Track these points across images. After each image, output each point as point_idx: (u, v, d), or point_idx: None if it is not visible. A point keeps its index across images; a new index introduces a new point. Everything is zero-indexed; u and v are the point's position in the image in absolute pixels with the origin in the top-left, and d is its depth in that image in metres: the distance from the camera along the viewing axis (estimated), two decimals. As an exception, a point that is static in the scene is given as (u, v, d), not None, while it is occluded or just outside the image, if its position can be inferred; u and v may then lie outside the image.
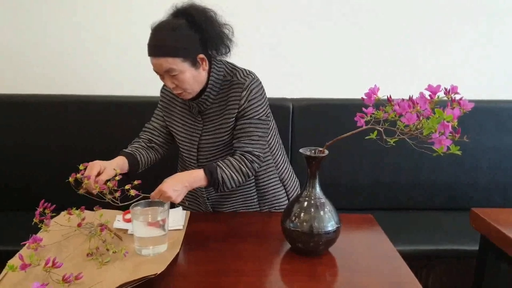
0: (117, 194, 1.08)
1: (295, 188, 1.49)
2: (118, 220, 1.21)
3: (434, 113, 0.83)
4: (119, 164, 1.22)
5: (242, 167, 1.25)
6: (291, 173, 1.49)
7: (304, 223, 1.04)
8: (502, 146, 2.03)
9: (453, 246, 1.74)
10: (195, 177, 1.19)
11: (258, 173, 1.38)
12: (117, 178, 1.12)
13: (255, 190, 1.40)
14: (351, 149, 1.97)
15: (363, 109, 0.94)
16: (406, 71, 2.14)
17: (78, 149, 1.94)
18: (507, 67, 2.17)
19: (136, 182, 1.10)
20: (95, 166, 1.13)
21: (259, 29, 2.07)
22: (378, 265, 1.04)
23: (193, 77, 1.21)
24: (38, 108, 1.96)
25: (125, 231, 1.16)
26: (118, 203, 1.08)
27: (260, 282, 0.97)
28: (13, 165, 1.97)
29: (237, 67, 1.33)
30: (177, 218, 1.23)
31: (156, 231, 1.05)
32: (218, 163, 1.24)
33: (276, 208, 1.43)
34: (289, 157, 1.96)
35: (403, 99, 0.89)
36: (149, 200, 1.10)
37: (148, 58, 1.19)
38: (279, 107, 1.93)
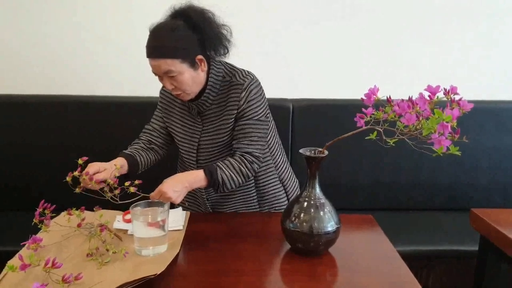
0: (117, 192, 1.08)
1: (295, 188, 1.49)
2: (118, 221, 1.21)
3: (434, 114, 0.83)
4: (119, 165, 1.22)
5: (242, 168, 1.25)
6: (290, 173, 1.49)
7: (304, 224, 1.04)
8: (502, 146, 2.03)
9: (453, 247, 1.74)
10: (195, 178, 1.19)
11: (258, 174, 1.38)
12: (116, 174, 1.12)
13: (254, 190, 1.40)
14: (351, 150, 1.97)
15: (363, 109, 0.94)
16: (406, 71, 2.14)
17: (78, 149, 1.91)
18: (507, 67, 2.17)
19: (136, 182, 1.10)
20: (94, 166, 1.13)
21: (259, 30, 2.07)
22: (378, 266, 1.04)
23: (192, 78, 1.21)
24: (38, 108, 1.96)
25: (125, 231, 1.16)
26: (117, 201, 1.07)
27: (260, 282, 0.97)
28: (13, 165, 1.97)
29: (236, 68, 1.33)
30: (177, 219, 1.23)
31: (156, 232, 1.05)
32: (218, 163, 1.24)
33: (276, 208, 1.43)
34: (289, 157, 1.96)
35: (402, 100, 0.89)
36: (149, 200, 1.10)
37: (147, 58, 1.19)
38: (279, 107, 1.93)
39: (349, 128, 0.97)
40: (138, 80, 2.03)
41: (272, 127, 1.40)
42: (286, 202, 1.45)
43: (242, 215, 1.36)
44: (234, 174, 1.24)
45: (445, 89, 0.88)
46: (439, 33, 2.11)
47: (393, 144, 0.88)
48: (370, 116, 0.93)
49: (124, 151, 1.33)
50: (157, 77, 1.23)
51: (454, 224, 1.90)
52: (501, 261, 1.28)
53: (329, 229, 1.04)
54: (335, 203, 1.09)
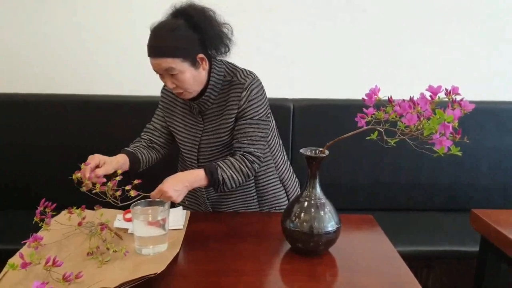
0: (118, 194, 1.08)
1: (295, 188, 1.49)
2: (118, 220, 1.21)
3: (435, 114, 0.83)
4: (120, 161, 1.22)
5: (242, 167, 1.25)
6: (291, 173, 1.49)
7: (304, 223, 1.04)
8: (502, 146, 2.03)
9: (453, 247, 1.74)
10: (196, 177, 1.19)
11: (258, 174, 1.38)
12: (118, 178, 1.12)
13: (255, 190, 1.40)
14: (352, 150, 1.97)
15: (364, 109, 0.94)
16: (406, 71, 2.14)
17: (78, 149, 1.92)
18: (507, 68, 2.17)
19: (136, 182, 1.10)
20: (95, 158, 1.13)
21: (259, 29, 2.07)
22: (378, 266, 1.04)
23: (193, 77, 1.21)
24: (38, 107, 1.96)
25: (125, 230, 1.16)
26: (118, 203, 1.08)
27: (260, 282, 0.97)
28: (13, 164, 1.97)
29: (237, 67, 1.33)
30: (177, 218, 1.23)
31: (156, 231, 1.05)
32: (219, 163, 1.24)
33: (276, 208, 1.43)
34: (289, 157, 1.96)
35: (403, 100, 0.89)
36: (150, 199, 1.10)
37: (148, 57, 1.19)
38: (279, 107, 1.93)
39: (350, 128, 0.98)
40: (138, 79, 2.03)
41: (272, 127, 1.40)
42: (286, 202, 1.44)
43: (242, 215, 1.36)
44: (235, 174, 1.24)
45: (446, 90, 0.89)
46: (439, 33, 2.11)
47: (394, 145, 0.88)
48: (371, 116, 0.93)
49: (125, 148, 1.33)
50: (158, 76, 1.24)
51: (454, 225, 1.90)
52: (501, 262, 1.28)
53: (329, 229, 1.04)
54: (335, 203, 1.09)
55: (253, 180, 1.39)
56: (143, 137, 1.41)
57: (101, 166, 1.14)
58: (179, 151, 1.44)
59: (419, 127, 0.86)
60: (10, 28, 2.04)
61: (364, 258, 1.08)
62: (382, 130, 0.91)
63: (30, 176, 1.97)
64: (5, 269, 0.91)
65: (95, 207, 1.16)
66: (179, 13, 1.21)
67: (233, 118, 1.28)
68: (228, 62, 1.33)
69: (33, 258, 0.90)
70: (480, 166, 2.04)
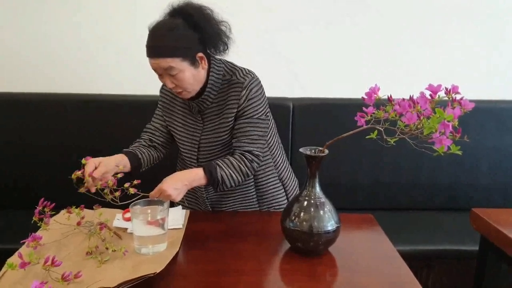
0: (118, 194, 1.08)
1: (294, 187, 1.49)
2: (117, 219, 1.21)
3: (435, 113, 0.83)
4: (118, 160, 1.22)
5: (241, 166, 1.25)
6: (290, 172, 1.49)
7: (304, 223, 1.04)
8: (502, 146, 2.03)
9: (453, 246, 1.74)
10: (195, 176, 1.19)
11: (257, 173, 1.38)
12: (119, 176, 1.12)
13: (254, 189, 1.40)
14: (351, 149, 1.97)
15: (364, 108, 0.94)
16: (406, 71, 2.14)
17: (78, 148, 1.92)
18: (507, 67, 2.17)
19: (135, 182, 1.10)
20: (90, 164, 1.12)
21: (259, 29, 2.07)
22: (378, 265, 1.04)
23: (192, 76, 1.21)
24: (38, 107, 1.96)
25: (124, 229, 1.16)
26: (117, 202, 1.08)
27: (259, 282, 0.97)
28: (13, 164, 1.97)
29: (236, 66, 1.32)
30: (177, 217, 1.23)
31: (155, 230, 1.04)
32: (218, 162, 1.23)
33: (275, 207, 1.43)
34: (289, 156, 1.96)
35: (403, 99, 0.89)
36: (149, 199, 1.10)
37: (147, 58, 1.19)
38: (279, 106, 1.93)
39: (350, 127, 0.97)
40: (138, 79, 2.03)
41: (272, 126, 1.40)
42: (286, 201, 1.44)
43: (242, 214, 1.36)
44: (234, 173, 1.23)
45: (446, 88, 0.88)
46: (439, 33, 2.11)
47: (394, 144, 0.87)
48: (371, 115, 0.93)
49: (124, 149, 1.32)
50: (157, 75, 1.23)
51: (454, 224, 1.90)
52: (501, 261, 1.28)
53: (329, 228, 1.04)
54: (335, 202, 1.09)
55: (252, 179, 1.39)
56: (143, 137, 1.41)
57: (97, 167, 1.13)
58: (178, 151, 1.44)
59: (419, 126, 0.86)
60: (10, 28, 2.04)
61: (364, 257, 1.08)
62: (382, 129, 0.91)
63: (30, 176, 1.97)
64: (4, 269, 0.91)
65: (94, 207, 1.16)
66: (176, 12, 1.21)
67: (233, 117, 1.27)
68: (227, 61, 1.33)
69: (32, 258, 0.89)
70: (480, 166, 2.03)
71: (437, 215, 2.01)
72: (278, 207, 1.43)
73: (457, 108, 0.84)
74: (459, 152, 0.82)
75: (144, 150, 1.35)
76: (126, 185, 1.08)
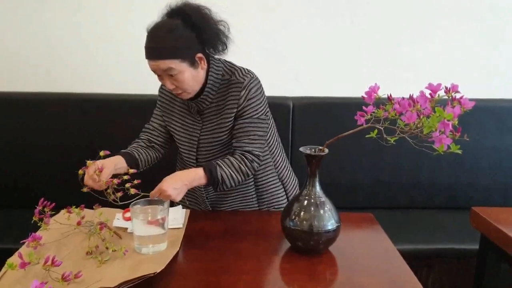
0: (119, 194, 1.08)
1: (294, 187, 1.49)
2: (117, 219, 1.21)
3: (434, 112, 0.83)
4: (116, 161, 1.21)
5: (242, 166, 1.24)
6: (290, 172, 1.49)
7: (304, 222, 1.04)
8: (502, 145, 2.03)
9: (453, 246, 1.74)
10: (195, 176, 1.19)
11: (257, 172, 1.38)
12: (126, 177, 1.12)
13: (253, 188, 1.40)
14: (351, 148, 1.97)
15: (364, 107, 0.94)
16: (406, 71, 2.14)
17: (78, 148, 1.93)
18: (508, 68, 2.17)
19: (136, 182, 1.10)
20: (91, 168, 1.11)
21: (259, 29, 2.07)
22: (378, 264, 1.04)
23: (192, 77, 1.21)
24: (38, 106, 1.96)
25: (124, 229, 1.16)
26: (117, 202, 1.08)
27: (259, 281, 0.97)
28: (13, 164, 1.97)
29: (235, 66, 1.32)
30: (177, 217, 1.23)
31: (155, 230, 1.04)
32: (218, 162, 1.23)
33: (275, 207, 1.43)
34: (289, 155, 1.96)
35: (403, 98, 0.89)
36: (149, 198, 1.10)
37: (146, 59, 1.18)
38: (279, 105, 1.93)
39: (350, 126, 0.97)
40: (139, 78, 2.03)
41: (271, 125, 1.40)
42: (286, 200, 1.44)
43: (242, 214, 1.36)
44: (234, 173, 1.23)
45: (446, 87, 0.88)
46: (439, 33, 2.11)
47: (394, 143, 0.87)
48: (371, 114, 0.93)
49: (122, 150, 1.32)
50: (156, 76, 1.23)
51: (454, 223, 1.90)
52: (501, 260, 1.28)
53: (329, 227, 1.04)
54: (335, 201, 1.09)
55: (252, 179, 1.39)
56: (141, 137, 1.41)
57: (102, 169, 1.13)
58: (177, 151, 1.44)
59: (418, 125, 0.85)
60: (10, 28, 2.04)
61: (364, 256, 1.08)
62: (382, 128, 0.91)
63: (30, 176, 1.97)
64: (4, 269, 0.91)
65: (94, 207, 1.16)
66: (175, 13, 1.20)
67: (232, 117, 1.27)
68: (226, 61, 1.33)
69: (32, 258, 0.89)
70: (480, 165, 2.03)
71: (437, 214, 2.01)
72: (277, 206, 1.43)
73: (457, 107, 0.84)
74: (459, 151, 0.82)
75: (142, 151, 1.34)
76: (128, 185, 1.09)
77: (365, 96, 0.95)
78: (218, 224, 1.25)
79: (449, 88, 0.88)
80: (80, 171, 1.12)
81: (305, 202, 1.06)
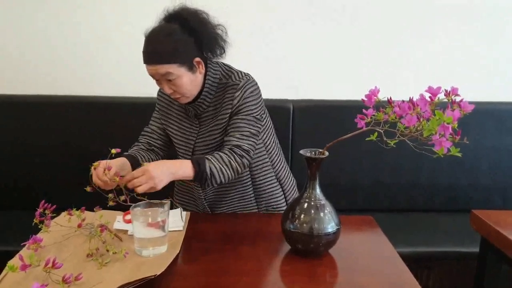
0: (122, 198, 1.08)
1: (293, 187, 1.49)
2: (118, 221, 1.21)
3: (434, 115, 0.83)
4: (121, 162, 1.21)
5: (232, 161, 1.21)
6: (288, 172, 1.49)
7: (304, 225, 1.04)
8: (502, 147, 2.03)
9: (453, 248, 1.74)
10: (181, 165, 1.15)
11: (254, 172, 1.38)
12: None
13: (251, 188, 1.39)
14: (351, 151, 1.97)
15: (364, 110, 0.94)
16: (406, 71, 2.14)
17: (78, 150, 1.94)
18: (508, 68, 2.17)
19: None
20: (100, 166, 1.11)
21: (259, 29, 2.07)
22: (378, 267, 1.04)
23: (190, 81, 1.20)
24: (39, 108, 1.96)
25: (125, 232, 1.16)
26: (126, 202, 1.06)
27: (260, 283, 0.97)
28: (14, 165, 1.97)
29: (233, 69, 1.32)
30: (177, 219, 1.23)
31: (156, 232, 1.05)
32: (207, 156, 1.20)
33: (274, 206, 1.43)
34: (289, 158, 1.96)
35: (403, 101, 0.89)
36: (150, 201, 1.10)
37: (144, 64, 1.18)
38: (279, 108, 1.93)
39: (350, 129, 0.97)
40: (139, 80, 2.02)
41: (269, 125, 1.39)
42: (284, 200, 1.44)
43: (242, 216, 1.36)
44: (224, 167, 1.19)
45: (446, 91, 0.88)
46: (439, 33, 2.11)
47: (394, 146, 0.88)
48: (371, 117, 0.93)
49: (124, 153, 1.32)
50: (155, 81, 1.23)
51: (454, 225, 1.90)
52: (502, 263, 1.28)
53: (329, 230, 1.04)
54: (335, 204, 1.09)
55: (249, 178, 1.38)
56: (141, 140, 1.40)
57: (110, 167, 1.12)
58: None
59: (418, 128, 0.86)
60: (10, 28, 2.04)
61: (364, 259, 1.08)
62: (382, 131, 0.91)
63: (31, 177, 1.98)
64: (4, 271, 0.91)
65: (94, 209, 1.16)
66: (172, 18, 1.20)
67: (227, 118, 1.26)
68: (224, 64, 1.32)
69: (33, 260, 0.90)
70: (480, 167, 2.04)
71: (437, 216, 2.01)
72: (276, 206, 1.43)
73: (457, 110, 0.84)
74: (459, 154, 0.82)
75: (144, 154, 1.34)
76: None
77: (365, 99, 0.96)
78: (218, 226, 1.25)
79: (449, 91, 0.88)
80: (95, 164, 1.10)
81: (305, 204, 1.06)
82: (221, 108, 1.28)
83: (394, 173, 2.03)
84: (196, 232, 1.20)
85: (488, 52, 2.14)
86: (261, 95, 1.31)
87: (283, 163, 1.47)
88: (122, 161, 1.22)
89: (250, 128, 1.26)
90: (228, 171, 1.21)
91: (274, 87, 1.95)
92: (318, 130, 1.96)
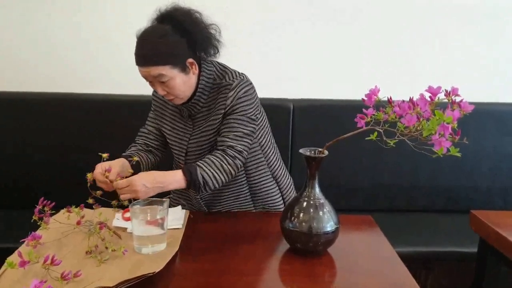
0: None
1: (289, 185, 1.48)
2: (117, 219, 1.21)
3: (434, 115, 0.83)
4: (122, 162, 1.21)
5: (223, 164, 1.20)
6: (284, 171, 1.48)
7: (303, 224, 1.04)
8: (502, 148, 2.02)
9: (453, 248, 1.74)
10: (172, 178, 1.14)
11: (249, 171, 1.37)
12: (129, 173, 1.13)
13: (247, 187, 1.39)
14: (351, 150, 1.97)
15: (363, 110, 0.94)
16: (406, 71, 2.14)
17: (78, 148, 1.94)
18: (508, 68, 2.17)
19: None
20: (97, 169, 1.12)
21: (259, 29, 2.06)
22: (376, 267, 1.04)
23: (183, 82, 1.19)
24: (39, 106, 1.96)
25: (124, 229, 1.16)
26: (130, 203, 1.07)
27: (259, 282, 0.97)
28: (13, 163, 1.97)
29: (228, 68, 1.31)
30: (177, 217, 1.23)
31: (155, 230, 1.05)
32: (198, 162, 1.19)
33: (270, 205, 1.42)
34: (288, 157, 1.96)
35: (403, 101, 0.89)
36: (149, 199, 1.10)
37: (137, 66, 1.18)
38: (279, 107, 1.93)
39: (349, 129, 0.97)
40: (138, 79, 2.01)
41: (265, 124, 1.39)
42: (280, 199, 1.44)
43: (241, 215, 1.36)
44: (216, 172, 1.19)
45: (446, 91, 0.88)
46: (439, 33, 2.11)
47: (393, 145, 0.88)
48: (371, 117, 0.93)
49: (123, 154, 1.31)
50: (148, 82, 1.22)
51: (454, 226, 1.89)
52: (501, 264, 1.28)
53: (328, 229, 1.04)
54: (335, 203, 1.09)
55: (245, 178, 1.38)
56: (138, 141, 1.40)
57: (109, 170, 1.13)
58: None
59: (418, 128, 0.86)
60: (10, 28, 2.04)
61: (363, 258, 1.08)
62: (382, 131, 0.91)
63: (30, 176, 1.97)
64: (3, 267, 0.91)
65: (94, 206, 1.16)
66: (165, 18, 1.19)
67: (220, 118, 1.25)
68: (218, 63, 1.31)
69: (32, 257, 0.90)
70: (480, 168, 2.03)
71: (437, 217, 2.01)
72: (272, 205, 1.42)
73: (457, 110, 0.85)
74: (458, 154, 0.82)
75: (142, 155, 1.34)
76: None
77: (365, 98, 0.96)
78: (217, 225, 1.25)
79: (449, 92, 0.88)
80: (89, 175, 1.11)
81: (305, 203, 1.06)
82: (214, 109, 1.27)
83: (394, 174, 2.03)
84: (196, 231, 1.20)
85: (488, 52, 2.14)
86: (256, 95, 1.30)
87: (279, 162, 1.47)
88: (122, 162, 1.22)
89: (243, 129, 1.25)
90: (220, 175, 1.20)
91: (274, 87, 1.94)
92: (318, 130, 1.96)
